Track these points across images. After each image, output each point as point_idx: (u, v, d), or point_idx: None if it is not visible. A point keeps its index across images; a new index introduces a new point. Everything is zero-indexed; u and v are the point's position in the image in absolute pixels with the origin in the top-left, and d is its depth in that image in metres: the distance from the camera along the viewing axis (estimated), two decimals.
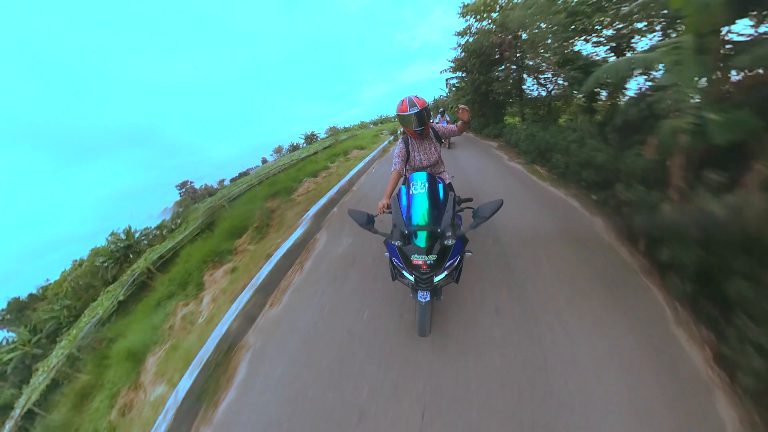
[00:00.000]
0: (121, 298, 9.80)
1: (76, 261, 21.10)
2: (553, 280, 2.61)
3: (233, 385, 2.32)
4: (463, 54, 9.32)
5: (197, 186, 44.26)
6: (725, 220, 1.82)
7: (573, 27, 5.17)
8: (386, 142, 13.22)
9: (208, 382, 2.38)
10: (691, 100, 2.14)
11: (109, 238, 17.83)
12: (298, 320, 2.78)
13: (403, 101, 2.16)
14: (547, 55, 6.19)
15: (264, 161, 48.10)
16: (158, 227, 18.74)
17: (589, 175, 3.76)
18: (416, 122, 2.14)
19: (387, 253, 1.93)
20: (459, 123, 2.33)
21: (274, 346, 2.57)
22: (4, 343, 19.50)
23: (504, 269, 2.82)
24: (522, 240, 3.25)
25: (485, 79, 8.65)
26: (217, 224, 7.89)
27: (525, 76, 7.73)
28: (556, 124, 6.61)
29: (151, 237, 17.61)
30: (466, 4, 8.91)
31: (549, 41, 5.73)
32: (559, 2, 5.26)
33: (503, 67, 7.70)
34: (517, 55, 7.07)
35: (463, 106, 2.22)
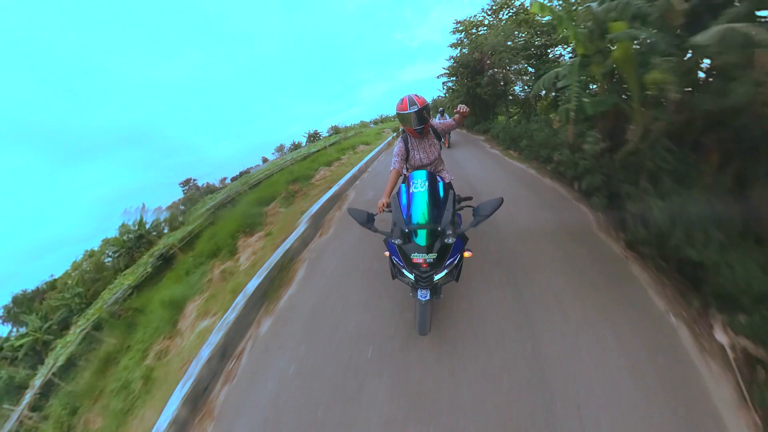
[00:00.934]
0: (149, 269, 10.44)
1: (87, 251, 21.67)
2: (517, 202, 4.05)
3: (294, 282, 3.17)
4: (454, 63, 11.51)
5: (199, 184, 44.71)
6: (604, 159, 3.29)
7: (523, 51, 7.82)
8: (390, 138, 14.21)
9: (275, 280, 3.23)
10: (580, 94, 3.38)
11: (121, 229, 18.47)
12: (342, 241, 3.90)
13: (402, 100, 2.17)
14: (509, 69, 8.80)
15: (264, 160, 48.53)
16: (166, 220, 19.42)
17: (544, 152, 5.19)
18: (416, 121, 2.15)
19: (387, 252, 1.94)
20: (456, 116, 2.43)
21: (325, 258, 3.58)
22: (14, 332, 19.93)
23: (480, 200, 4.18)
24: (494, 190, 4.81)
25: (473, 84, 10.55)
26: (239, 202, 8.50)
27: (514, 78, 9.14)
28: (529, 119, 8.35)
29: (161, 228, 18.28)
30: (459, 21, 10.88)
31: (508, 60, 8.38)
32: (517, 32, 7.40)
33: (486, 76, 9.71)
34: (494, 69, 9.35)
35: (463, 107, 2.34)
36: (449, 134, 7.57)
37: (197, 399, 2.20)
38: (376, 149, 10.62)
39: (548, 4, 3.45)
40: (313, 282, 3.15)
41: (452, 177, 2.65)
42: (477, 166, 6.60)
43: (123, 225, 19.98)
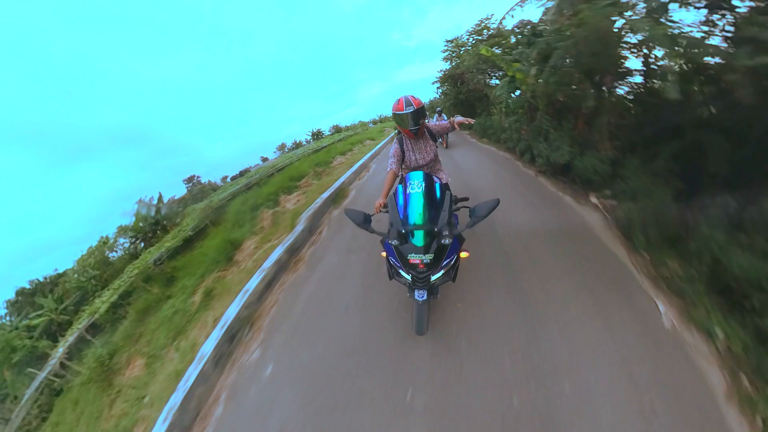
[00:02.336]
0: (190, 233, 11.43)
1: (102, 237, 22.62)
2: (481, 163, 6.37)
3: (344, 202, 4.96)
4: (443, 74, 15.15)
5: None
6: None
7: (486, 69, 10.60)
8: (392, 134, 15.90)
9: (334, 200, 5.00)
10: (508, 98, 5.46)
11: (137, 215, 19.65)
12: (367, 187, 6.04)
13: (399, 100, 2.18)
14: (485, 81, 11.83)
15: (264, 159, 49.51)
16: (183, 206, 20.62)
17: (500, 136, 7.58)
18: (412, 121, 2.16)
19: (384, 253, 1.93)
20: (453, 120, 2.42)
21: (359, 196, 5.69)
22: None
23: (457, 168, 6.45)
24: (470, 161, 7.09)
25: (457, 91, 13.83)
26: (267, 183, 9.85)
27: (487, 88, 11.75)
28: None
29: (177, 216, 19.43)
30: (448, 40, 14.57)
31: (479, 76, 11.26)
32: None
33: (466, 87, 13.03)
34: (472, 81, 12.41)
35: (468, 120, 2.37)
36: (447, 135, 8.64)
37: (272, 280, 3.31)
38: (383, 142, 12.42)
39: (491, 49, 5.52)
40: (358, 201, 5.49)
41: (449, 178, 2.67)
42: (460, 149, 9.10)
43: (138, 212, 21.16)
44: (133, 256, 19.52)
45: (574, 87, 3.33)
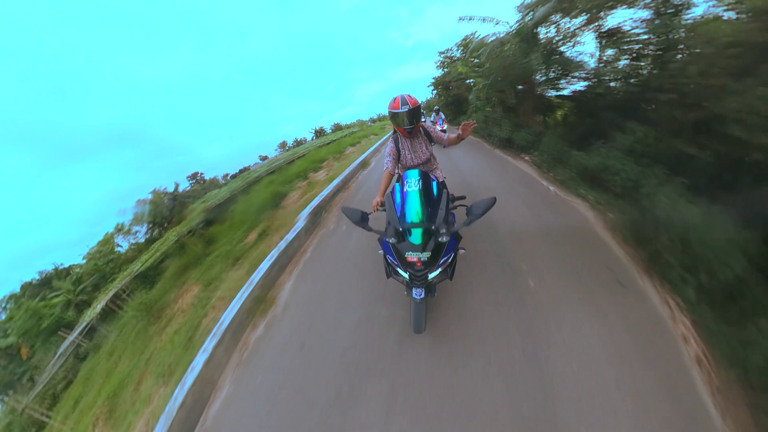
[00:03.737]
0: (228, 195, 13.07)
1: (118, 224, 23.94)
2: (465, 149, 7.77)
3: (361, 175, 6.91)
4: (435, 81, 18.50)
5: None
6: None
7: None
8: (393, 131, 18.27)
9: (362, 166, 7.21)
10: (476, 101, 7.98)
11: (154, 197, 21.26)
12: (382, 162, 7.57)
13: (395, 99, 2.19)
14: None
15: (264, 158, 50.92)
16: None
17: (476, 127, 9.75)
18: (407, 120, 2.17)
19: (381, 251, 1.93)
20: (453, 135, 2.34)
21: (378, 165, 7.53)
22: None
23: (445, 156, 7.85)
24: (457, 150, 8.16)
25: (448, 94, 16.98)
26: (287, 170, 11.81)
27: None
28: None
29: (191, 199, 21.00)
30: (441, 52, 17.78)
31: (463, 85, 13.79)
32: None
33: (453, 93, 15.87)
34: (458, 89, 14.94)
35: (469, 123, 2.22)
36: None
37: (324, 207, 5.28)
38: (386, 136, 14.44)
39: (465, 66, 7.48)
40: (370, 177, 7.09)
41: (445, 176, 2.69)
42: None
43: (156, 194, 22.65)
44: (149, 240, 20.98)
45: (503, 92, 5.66)
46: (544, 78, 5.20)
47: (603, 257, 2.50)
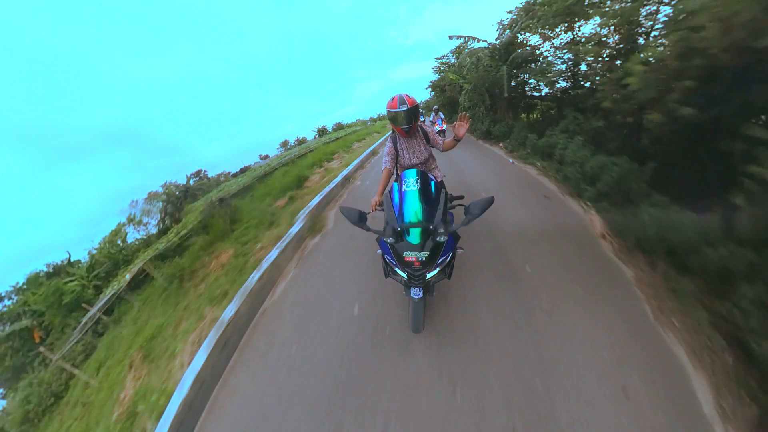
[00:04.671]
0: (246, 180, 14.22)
1: (130, 214, 24.98)
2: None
3: (372, 161, 8.43)
4: (432, 84, 20.41)
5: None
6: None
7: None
8: (391, 130, 19.91)
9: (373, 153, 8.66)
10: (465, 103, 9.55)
11: (165, 189, 22.44)
12: (377, 166, 9.19)
13: (393, 98, 2.20)
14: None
15: (265, 157, 52.14)
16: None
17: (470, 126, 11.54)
18: (405, 120, 2.17)
19: (379, 251, 1.94)
20: (450, 140, 2.31)
21: (382, 155, 8.83)
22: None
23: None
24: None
25: (443, 96, 18.95)
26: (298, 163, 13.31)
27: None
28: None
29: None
30: (437, 58, 19.26)
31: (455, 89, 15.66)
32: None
33: (448, 93, 17.54)
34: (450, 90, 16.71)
35: (463, 114, 2.20)
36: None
37: (346, 182, 6.96)
38: (387, 134, 16.04)
39: (456, 74, 8.90)
40: (380, 162, 8.46)
41: (443, 175, 2.72)
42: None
43: (168, 187, 23.91)
44: (161, 231, 22.08)
45: (482, 96, 7.32)
46: (514, 84, 6.86)
47: (539, 188, 4.21)
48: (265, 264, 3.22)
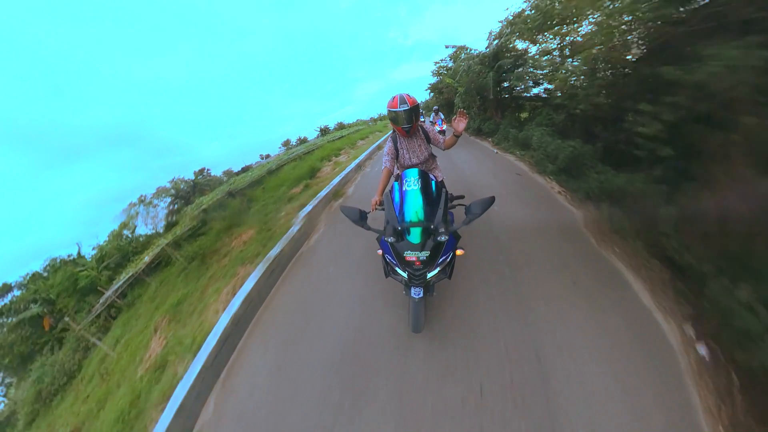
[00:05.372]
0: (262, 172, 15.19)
1: (143, 198, 25.80)
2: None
3: (367, 167, 9.30)
4: (431, 87, 21.37)
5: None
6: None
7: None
8: (392, 130, 21.05)
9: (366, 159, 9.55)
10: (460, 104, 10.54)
11: (175, 183, 23.34)
12: (379, 163, 10.34)
13: (394, 98, 2.21)
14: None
15: (266, 156, 53.07)
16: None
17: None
18: (405, 120, 2.18)
19: (380, 250, 1.94)
20: (450, 137, 2.31)
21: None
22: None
23: None
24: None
25: (441, 97, 19.77)
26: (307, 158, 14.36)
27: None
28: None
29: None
30: (437, 62, 20.27)
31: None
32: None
33: (446, 95, 18.58)
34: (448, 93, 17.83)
35: (461, 110, 2.20)
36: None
37: (358, 168, 8.06)
38: (389, 133, 17.17)
39: (452, 77, 10.01)
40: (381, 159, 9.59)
41: (443, 176, 2.72)
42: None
43: (176, 182, 24.84)
44: (170, 224, 22.89)
45: (473, 98, 8.42)
46: (502, 87, 7.94)
47: (514, 169, 5.30)
48: (302, 214, 4.35)
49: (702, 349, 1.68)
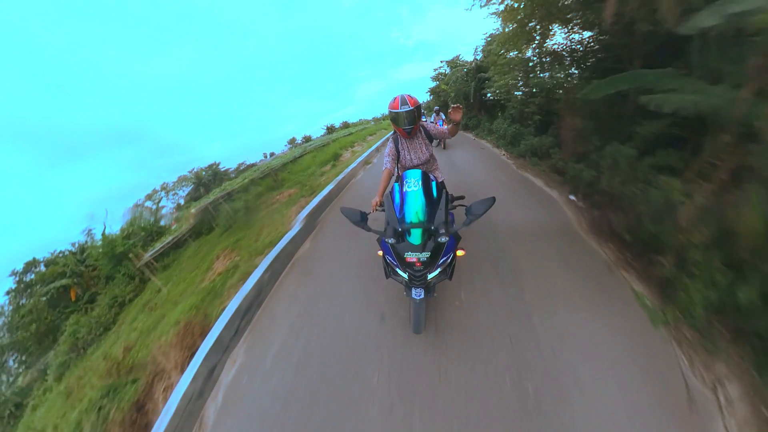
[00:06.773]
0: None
1: (156, 192, 27.91)
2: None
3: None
4: (430, 90, 23.65)
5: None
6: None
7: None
8: (393, 131, 23.67)
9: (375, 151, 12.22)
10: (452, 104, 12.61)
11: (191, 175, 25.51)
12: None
13: (395, 99, 2.22)
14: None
15: (270, 155, 54.98)
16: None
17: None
18: (406, 120, 2.19)
19: (380, 251, 1.95)
20: (450, 125, 2.30)
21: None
22: None
23: None
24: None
25: (440, 100, 21.98)
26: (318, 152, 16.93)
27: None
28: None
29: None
30: (436, 68, 22.61)
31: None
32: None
33: (443, 98, 20.96)
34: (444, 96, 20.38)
35: (456, 105, 2.23)
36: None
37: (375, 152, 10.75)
38: (390, 133, 19.78)
39: (446, 83, 12.75)
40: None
41: (444, 176, 2.73)
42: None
43: (197, 173, 27.19)
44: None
45: (459, 101, 11.41)
46: (480, 94, 10.65)
47: (481, 146, 8.20)
48: (347, 170, 7.01)
49: (572, 197, 3.75)
